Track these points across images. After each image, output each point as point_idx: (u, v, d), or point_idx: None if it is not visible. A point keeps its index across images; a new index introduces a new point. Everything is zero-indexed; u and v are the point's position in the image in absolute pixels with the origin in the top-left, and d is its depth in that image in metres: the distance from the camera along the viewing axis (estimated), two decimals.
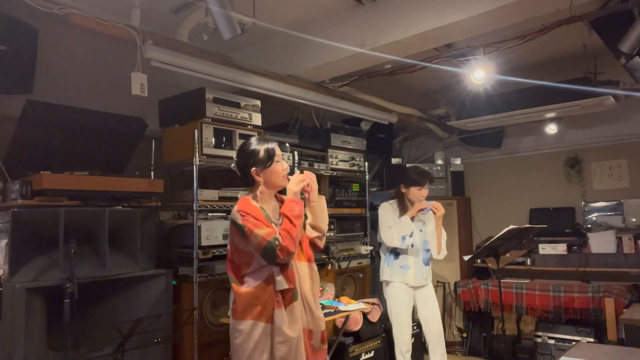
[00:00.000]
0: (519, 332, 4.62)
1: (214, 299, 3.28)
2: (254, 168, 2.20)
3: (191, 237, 3.09)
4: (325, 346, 2.33)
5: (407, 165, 5.03)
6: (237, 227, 2.12)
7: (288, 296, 2.16)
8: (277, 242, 2.05)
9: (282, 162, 2.25)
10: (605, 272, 4.24)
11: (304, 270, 2.27)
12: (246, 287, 2.15)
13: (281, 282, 2.13)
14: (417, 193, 3.47)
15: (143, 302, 2.90)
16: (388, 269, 3.59)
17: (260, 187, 2.23)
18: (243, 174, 2.26)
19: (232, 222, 2.17)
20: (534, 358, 4.24)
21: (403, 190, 3.55)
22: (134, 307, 2.87)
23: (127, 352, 2.39)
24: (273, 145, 2.24)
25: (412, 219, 3.53)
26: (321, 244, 2.37)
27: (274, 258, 2.06)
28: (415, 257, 3.52)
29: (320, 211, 2.31)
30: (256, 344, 2.10)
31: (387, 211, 3.56)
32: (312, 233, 2.34)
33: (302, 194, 2.25)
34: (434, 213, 3.51)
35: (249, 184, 2.28)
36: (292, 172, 2.32)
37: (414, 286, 3.54)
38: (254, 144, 2.24)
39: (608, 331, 3.84)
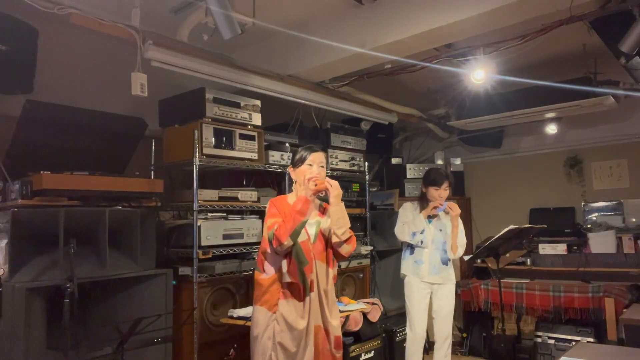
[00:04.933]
0: (519, 332, 4.61)
1: (214, 299, 3.28)
2: (290, 166, 2.49)
3: (191, 237, 3.09)
4: (340, 354, 2.43)
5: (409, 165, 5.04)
6: (265, 217, 2.37)
7: (299, 289, 2.29)
8: (275, 229, 2.22)
9: (313, 168, 2.38)
10: (605, 272, 4.23)
11: (322, 271, 2.40)
12: (264, 275, 2.35)
13: (285, 275, 2.30)
14: (434, 193, 3.55)
15: (143, 302, 2.90)
16: (404, 262, 3.69)
17: (294, 185, 2.47)
18: None
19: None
20: (534, 358, 4.24)
21: (423, 189, 3.66)
22: (134, 307, 2.87)
23: (127, 352, 2.39)
24: (310, 152, 2.41)
25: (432, 217, 3.60)
26: (342, 251, 2.43)
27: (273, 246, 2.25)
28: (430, 253, 3.56)
29: (335, 216, 2.37)
30: (261, 328, 2.29)
31: (405, 209, 3.71)
32: (333, 238, 2.42)
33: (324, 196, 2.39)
34: (447, 213, 3.58)
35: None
36: None
37: (429, 282, 3.56)
38: (301, 148, 2.49)
39: (608, 331, 3.84)
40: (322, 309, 2.36)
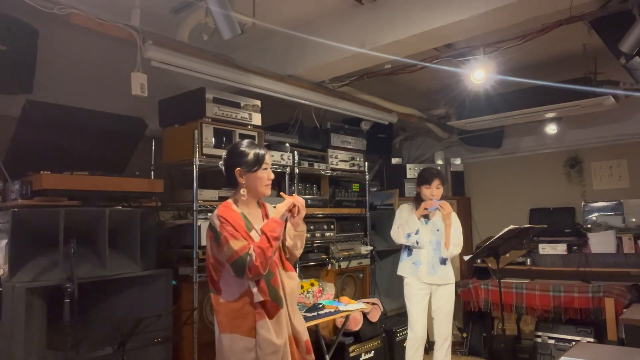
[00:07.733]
0: (519, 332, 4.62)
1: None
2: (238, 168, 2.17)
3: (191, 237, 3.09)
4: (312, 357, 2.29)
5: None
6: (213, 233, 2.09)
7: (272, 305, 2.10)
8: (249, 258, 2.00)
9: (268, 171, 2.23)
10: (605, 272, 4.23)
11: (283, 278, 2.23)
12: (225, 299, 2.10)
13: (257, 295, 2.07)
14: (426, 192, 3.57)
15: (143, 302, 2.90)
16: (401, 264, 3.69)
17: (242, 190, 2.20)
18: (227, 173, 2.23)
19: (209, 227, 2.12)
20: (534, 358, 4.24)
21: (417, 189, 3.68)
22: (134, 307, 2.87)
23: (127, 352, 2.39)
24: (264, 152, 2.21)
25: (427, 217, 3.60)
26: (292, 262, 2.34)
27: (242, 273, 2.02)
28: (428, 254, 3.56)
29: (299, 238, 2.29)
30: (240, 358, 2.04)
31: (401, 211, 3.73)
32: (287, 254, 2.31)
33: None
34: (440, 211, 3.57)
35: (232, 185, 2.24)
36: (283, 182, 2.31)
37: (428, 283, 3.56)
38: (244, 145, 2.22)
39: (608, 331, 3.84)
40: (289, 317, 2.19)
